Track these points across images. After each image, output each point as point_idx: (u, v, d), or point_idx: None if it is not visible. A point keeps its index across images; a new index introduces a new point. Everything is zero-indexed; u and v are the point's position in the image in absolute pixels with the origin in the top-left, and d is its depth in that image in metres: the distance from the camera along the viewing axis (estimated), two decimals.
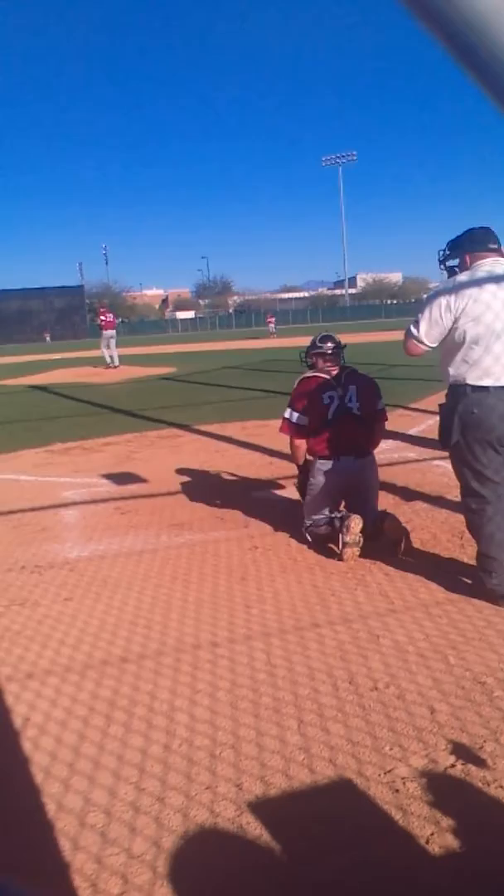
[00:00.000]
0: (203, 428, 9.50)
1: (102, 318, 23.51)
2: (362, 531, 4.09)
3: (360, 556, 4.14)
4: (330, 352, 4.57)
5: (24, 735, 2.60)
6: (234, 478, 6.55)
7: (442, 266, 3.70)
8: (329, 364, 4.56)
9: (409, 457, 6.89)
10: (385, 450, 6.17)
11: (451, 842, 1.93)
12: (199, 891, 1.87)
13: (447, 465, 5.56)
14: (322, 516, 4.36)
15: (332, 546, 4.29)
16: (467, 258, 3.50)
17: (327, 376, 4.47)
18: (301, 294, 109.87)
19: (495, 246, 3.48)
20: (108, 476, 6.91)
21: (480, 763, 2.26)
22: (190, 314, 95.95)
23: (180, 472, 6.88)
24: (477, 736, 2.41)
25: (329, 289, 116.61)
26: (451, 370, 3.41)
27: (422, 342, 3.50)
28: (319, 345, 4.60)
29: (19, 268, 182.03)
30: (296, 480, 4.87)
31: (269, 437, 8.45)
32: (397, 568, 4.02)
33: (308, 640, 3.22)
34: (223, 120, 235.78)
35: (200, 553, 4.51)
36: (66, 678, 3.02)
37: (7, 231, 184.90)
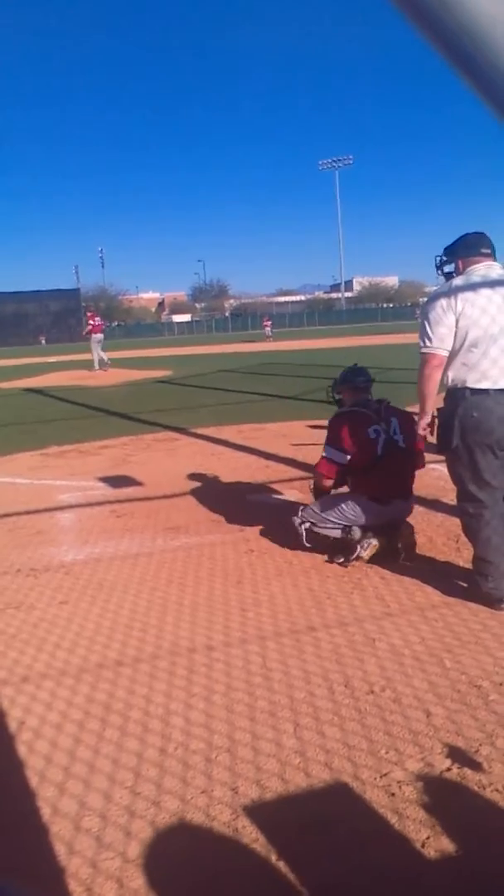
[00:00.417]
0: (199, 431, 9.50)
1: (91, 322, 23.48)
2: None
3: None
4: (363, 385, 4.40)
5: (20, 739, 2.59)
6: (230, 481, 6.55)
7: (439, 272, 3.71)
8: (361, 398, 4.36)
9: None
10: None
11: (447, 845, 1.93)
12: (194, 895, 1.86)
13: (443, 468, 5.57)
14: (337, 523, 4.20)
15: (328, 548, 4.29)
16: (460, 263, 3.52)
17: (365, 410, 4.26)
18: (297, 297, 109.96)
19: (488, 251, 3.49)
20: (104, 479, 6.90)
21: (476, 767, 2.26)
22: (186, 317, 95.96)
23: (176, 475, 6.87)
24: (473, 739, 2.41)
25: (325, 292, 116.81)
26: (450, 373, 3.42)
27: (436, 350, 3.40)
28: (352, 378, 4.43)
29: (15, 271, 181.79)
30: (310, 484, 4.77)
31: (265, 440, 8.46)
32: (393, 571, 4.02)
33: (304, 643, 3.22)
34: (220, 123, 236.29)
35: (196, 556, 4.51)
36: (62, 682, 3.01)
37: (2, 233, 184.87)
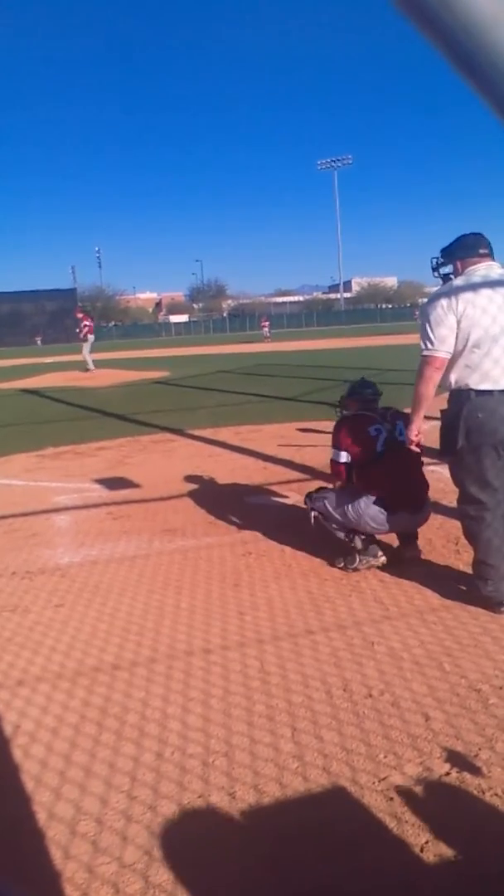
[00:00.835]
0: (196, 432, 9.49)
1: (87, 323, 23.13)
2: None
3: None
4: (370, 397, 4.38)
5: (15, 743, 2.58)
6: (227, 483, 6.54)
7: (436, 273, 3.69)
8: (367, 408, 4.33)
9: None
10: None
11: (446, 850, 1.92)
12: None
13: (442, 470, 5.56)
14: (342, 524, 4.16)
15: (333, 546, 4.27)
16: (458, 265, 3.50)
17: (368, 413, 4.26)
18: (296, 298, 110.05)
19: (486, 251, 3.47)
20: (101, 481, 6.88)
21: (475, 771, 2.25)
22: (184, 318, 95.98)
23: (173, 476, 6.86)
24: (472, 744, 2.40)
25: (324, 293, 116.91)
26: (454, 375, 3.40)
27: (438, 352, 3.37)
28: (360, 391, 4.42)
29: (11, 271, 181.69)
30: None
31: (262, 441, 8.45)
32: (392, 574, 4.01)
33: (302, 646, 3.21)
34: (218, 123, 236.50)
35: (193, 559, 4.49)
36: (57, 685, 2.99)
37: None
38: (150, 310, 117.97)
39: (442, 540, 4.52)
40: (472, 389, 3.34)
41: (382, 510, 3.98)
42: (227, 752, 2.44)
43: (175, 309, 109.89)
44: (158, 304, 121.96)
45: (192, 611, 3.68)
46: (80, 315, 24.26)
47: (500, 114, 0.48)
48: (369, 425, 4.14)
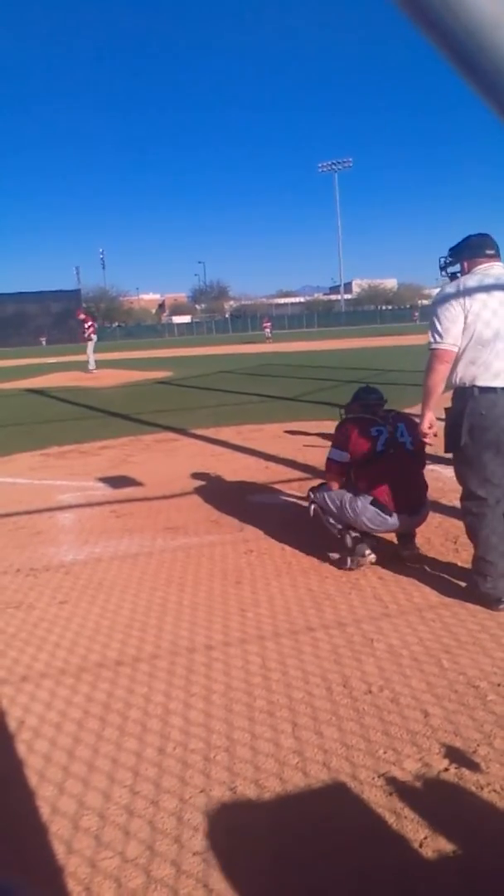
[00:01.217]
0: (199, 432, 9.51)
1: (91, 324, 23.09)
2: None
3: None
4: (374, 402, 4.37)
5: (19, 738, 2.60)
6: (229, 482, 6.56)
7: (443, 272, 3.74)
8: (370, 412, 4.33)
9: None
10: None
11: (445, 845, 1.94)
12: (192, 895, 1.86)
13: (442, 469, 5.58)
14: (338, 518, 4.18)
15: (331, 540, 4.29)
16: (465, 264, 3.55)
17: (370, 416, 4.26)
18: (297, 299, 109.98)
19: (493, 252, 3.52)
20: (104, 479, 6.91)
21: (474, 767, 2.27)
22: (186, 319, 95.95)
23: (176, 475, 6.88)
24: (470, 740, 2.42)
25: (325, 294, 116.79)
26: (458, 371, 3.43)
27: (446, 346, 3.40)
28: (364, 396, 4.42)
29: (16, 271, 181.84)
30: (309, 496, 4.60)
31: (264, 441, 8.47)
32: (391, 572, 4.03)
33: (303, 643, 3.23)
34: (220, 125, 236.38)
35: (196, 557, 4.52)
36: (61, 681, 3.02)
37: (4, 234, 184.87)
38: (154, 311, 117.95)
39: (441, 538, 4.54)
40: (475, 386, 3.36)
41: (380, 511, 3.98)
42: (228, 748, 2.46)
43: (178, 310, 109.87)
44: (161, 305, 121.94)
45: (194, 608, 3.71)
46: (82, 316, 24.14)
47: (501, 115, 0.49)
48: (370, 426, 4.15)
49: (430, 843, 1.95)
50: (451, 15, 0.44)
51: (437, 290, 3.70)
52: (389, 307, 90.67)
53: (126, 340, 66.50)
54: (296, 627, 3.41)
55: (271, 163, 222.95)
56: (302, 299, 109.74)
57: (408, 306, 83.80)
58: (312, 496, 4.42)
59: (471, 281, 3.43)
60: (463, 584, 3.70)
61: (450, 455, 3.60)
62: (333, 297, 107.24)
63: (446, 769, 2.27)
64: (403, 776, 2.24)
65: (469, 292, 3.38)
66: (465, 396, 3.40)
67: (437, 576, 3.92)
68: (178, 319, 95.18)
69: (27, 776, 2.38)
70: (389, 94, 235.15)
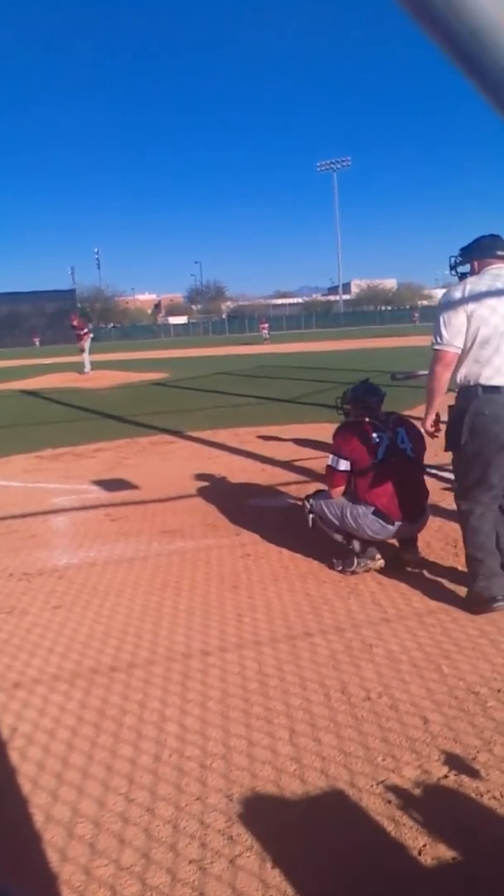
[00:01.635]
0: (195, 434, 9.48)
1: (85, 331, 22.89)
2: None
3: None
4: (374, 406, 4.29)
5: (12, 745, 2.57)
6: (226, 485, 6.54)
7: (453, 272, 3.76)
8: (370, 415, 4.25)
9: None
10: None
11: (444, 853, 1.92)
12: None
13: (442, 472, 5.56)
14: (339, 528, 4.15)
15: (331, 547, 4.27)
16: (475, 264, 3.58)
17: (370, 420, 4.19)
18: (295, 300, 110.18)
19: (503, 253, 3.54)
20: (99, 482, 6.88)
21: (473, 774, 2.25)
22: (182, 319, 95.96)
23: (172, 478, 6.85)
24: (470, 746, 2.39)
25: (323, 295, 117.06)
26: (462, 371, 3.44)
27: (449, 346, 3.42)
28: (364, 399, 4.31)
29: (10, 271, 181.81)
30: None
31: (261, 443, 8.45)
32: (390, 576, 4.00)
33: (300, 649, 3.20)
34: (218, 124, 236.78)
35: (192, 561, 4.49)
36: (55, 687, 2.99)
37: None
38: (149, 311, 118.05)
39: (441, 543, 4.52)
40: (479, 385, 3.37)
41: (380, 520, 3.95)
42: (224, 755, 2.43)
43: (174, 310, 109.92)
44: (157, 306, 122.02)
45: (190, 612, 3.68)
46: (75, 323, 23.57)
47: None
48: (371, 432, 4.10)
49: (429, 850, 1.93)
50: (453, 14, 0.44)
51: (440, 291, 3.73)
52: (389, 308, 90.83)
53: (121, 341, 66.43)
54: (293, 633, 3.38)
55: (269, 162, 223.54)
56: (300, 300, 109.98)
57: (407, 307, 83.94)
58: (309, 505, 4.35)
59: (477, 281, 3.46)
60: (463, 588, 3.67)
61: (448, 461, 3.60)
62: (332, 297, 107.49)
63: (446, 776, 2.25)
64: (402, 783, 2.22)
65: (474, 293, 3.40)
66: (469, 395, 3.41)
67: (437, 580, 3.90)
68: (174, 320, 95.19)
69: (20, 784, 2.35)
70: (389, 93, 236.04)
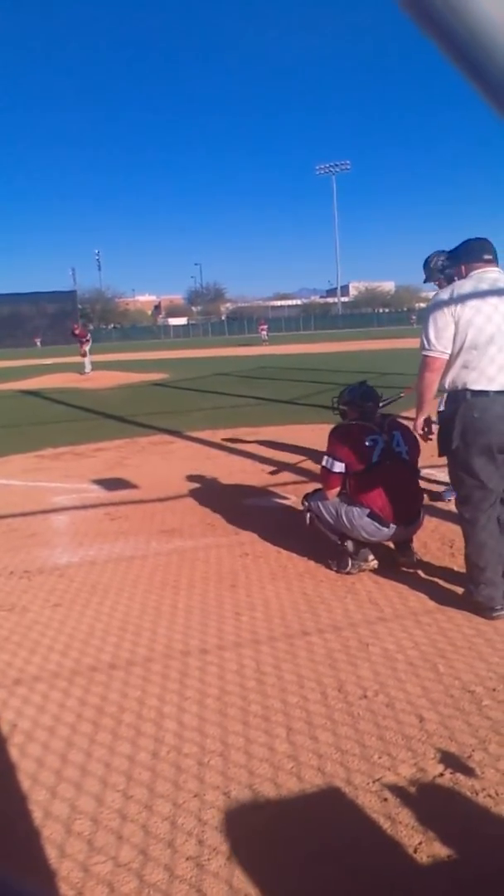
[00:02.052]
0: (194, 434, 9.50)
1: (87, 338, 23.56)
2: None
3: None
4: (370, 409, 4.28)
5: (12, 741, 2.58)
6: (224, 484, 6.55)
7: (441, 276, 3.75)
8: (366, 418, 4.26)
9: None
10: None
11: (440, 851, 1.93)
12: None
13: (438, 473, 5.58)
14: (334, 527, 4.16)
15: (327, 546, 4.29)
16: (463, 268, 3.55)
17: (366, 423, 4.20)
18: (294, 302, 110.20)
19: (490, 257, 3.51)
20: (99, 482, 6.89)
21: (469, 772, 2.26)
22: (182, 321, 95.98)
23: (171, 478, 6.86)
24: (466, 745, 2.41)
25: (322, 297, 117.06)
26: (450, 375, 3.43)
27: (438, 352, 3.40)
28: (360, 403, 4.30)
29: (11, 273, 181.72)
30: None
31: (260, 444, 8.46)
32: (387, 576, 4.02)
33: (297, 647, 3.22)
34: (218, 127, 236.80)
35: (190, 560, 4.50)
36: (55, 684, 3.00)
37: (0, 235, 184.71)
38: (149, 312, 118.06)
39: (437, 542, 4.54)
40: (468, 389, 3.36)
41: (375, 522, 3.97)
42: (222, 752, 2.45)
43: (174, 312, 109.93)
44: (157, 307, 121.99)
45: (188, 611, 3.69)
46: (77, 332, 24.19)
47: None
48: (366, 435, 4.11)
49: (424, 848, 1.94)
50: (453, 15, 0.44)
51: (433, 294, 3.71)
52: (387, 310, 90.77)
53: (121, 342, 66.46)
54: (291, 631, 3.40)
55: (269, 165, 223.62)
56: (299, 302, 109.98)
57: (405, 309, 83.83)
58: (307, 504, 4.39)
59: (465, 286, 3.43)
60: (459, 588, 3.69)
61: (443, 460, 3.60)
62: (330, 299, 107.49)
63: (441, 774, 2.27)
64: (398, 781, 2.23)
65: (461, 297, 3.37)
66: (458, 400, 3.40)
67: (433, 580, 3.91)
68: (173, 321, 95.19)
69: (20, 780, 2.36)
70: (388, 97, 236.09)
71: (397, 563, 4.14)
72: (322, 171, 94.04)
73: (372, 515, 3.96)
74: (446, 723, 2.55)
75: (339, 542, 4.14)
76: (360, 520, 3.98)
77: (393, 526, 3.98)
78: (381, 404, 4.42)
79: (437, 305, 3.43)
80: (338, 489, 4.19)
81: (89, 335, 24.22)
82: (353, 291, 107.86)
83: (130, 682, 2.99)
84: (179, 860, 1.96)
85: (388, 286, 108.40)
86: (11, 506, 6.08)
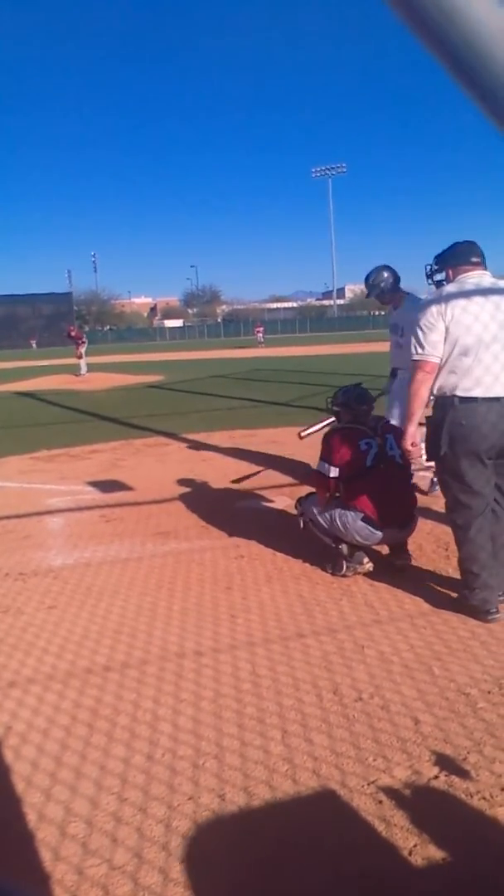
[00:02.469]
0: (190, 436, 9.49)
1: (83, 340, 24.04)
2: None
3: None
4: (364, 412, 4.28)
5: (6, 744, 2.58)
6: (220, 487, 6.54)
7: (429, 280, 3.73)
8: (359, 421, 4.27)
9: None
10: None
11: (435, 853, 1.93)
12: None
13: (432, 475, 5.58)
14: (327, 531, 4.16)
15: (322, 548, 4.29)
16: (450, 272, 3.53)
17: (360, 427, 4.20)
18: (289, 304, 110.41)
19: (477, 260, 3.49)
20: (94, 484, 6.88)
21: (464, 774, 2.26)
22: (178, 323, 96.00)
23: (166, 480, 6.86)
24: (461, 747, 2.41)
25: (317, 299, 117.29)
26: (439, 381, 3.40)
27: (429, 357, 3.37)
28: (355, 406, 4.30)
29: (7, 274, 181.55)
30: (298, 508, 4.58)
31: (255, 446, 8.46)
32: (382, 578, 4.02)
33: (293, 650, 3.22)
34: (214, 130, 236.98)
35: (186, 562, 4.50)
36: (49, 687, 2.99)
37: None
38: (145, 314, 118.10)
39: (432, 545, 4.54)
40: (456, 396, 3.33)
41: (369, 526, 3.96)
42: (217, 755, 2.44)
43: (170, 314, 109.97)
44: (153, 309, 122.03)
45: (183, 613, 3.69)
46: (73, 334, 24.67)
47: (498, 123, 0.49)
48: (360, 439, 4.10)
49: (419, 850, 1.94)
50: (448, 23, 0.44)
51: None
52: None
53: (117, 344, 66.43)
54: (286, 634, 3.40)
55: (265, 167, 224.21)
56: (295, 304, 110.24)
57: None
58: (301, 507, 4.40)
59: (453, 289, 3.41)
60: (454, 591, 3.69)
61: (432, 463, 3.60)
62: (326, 302, 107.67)
63: (436, 776, 2.27)
64: (393, 784, 2.23)
65: (450, 302, 3.34)
66: (446, 406, 3.38)
67: (429, 583, 3.92)
68: (169, 323, 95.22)
69: (14, 782, 2.35)
70: (384, 100, 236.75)
71: (393, 566, 4.14)
72: (318, 174, 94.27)
73: (366, 519, 3.96)
74: (441, 725, 2.55)
75: (334, 546, 4.14)
76: (354, 524, 3.98)
77: (387, 529, 3.99)
78: (303, 434, 4.42)
79: (428, 310, 3.39)
80: (332, 494, 4.19)
81: (85, 337, 24.48)
82: (348, 294, 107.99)
83: (125, 684, 2.98)
84: (174, 863, 1.96)
85: None
86: (6, 507, 6.06)
